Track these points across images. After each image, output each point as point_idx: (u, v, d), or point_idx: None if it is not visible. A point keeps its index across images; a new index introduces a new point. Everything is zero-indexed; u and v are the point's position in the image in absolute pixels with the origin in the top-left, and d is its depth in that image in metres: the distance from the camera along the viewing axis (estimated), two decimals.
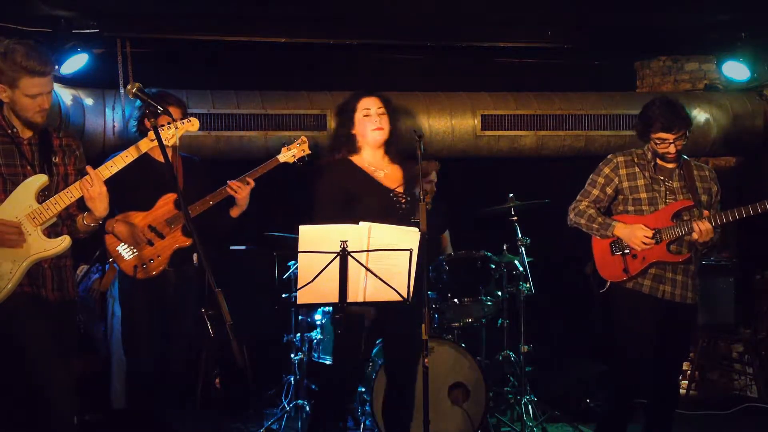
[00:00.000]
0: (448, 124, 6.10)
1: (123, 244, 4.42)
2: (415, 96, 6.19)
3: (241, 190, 4.48)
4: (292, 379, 5.48)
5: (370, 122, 4.10)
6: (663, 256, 4.18)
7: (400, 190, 4.09)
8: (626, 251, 4.24)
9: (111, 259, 4.47)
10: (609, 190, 4.32)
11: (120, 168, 3.51)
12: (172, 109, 4.42)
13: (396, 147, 4.18)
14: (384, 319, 4.04)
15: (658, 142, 4.18)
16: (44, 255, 3.42)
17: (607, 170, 4.33)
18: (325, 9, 5.55)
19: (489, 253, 5.35)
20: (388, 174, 4.14)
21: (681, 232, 4.15)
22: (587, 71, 6.87)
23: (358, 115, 4.13)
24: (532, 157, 6.44)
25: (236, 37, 5.84)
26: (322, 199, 4.06)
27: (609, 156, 4.38)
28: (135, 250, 4.41)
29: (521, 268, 5.39)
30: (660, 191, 4.25)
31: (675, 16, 5.85)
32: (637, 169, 4.28)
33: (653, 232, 4.16)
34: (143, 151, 3.56)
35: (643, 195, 4.26)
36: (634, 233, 4.17)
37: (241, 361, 3.01)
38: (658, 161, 4.27)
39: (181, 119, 4.54)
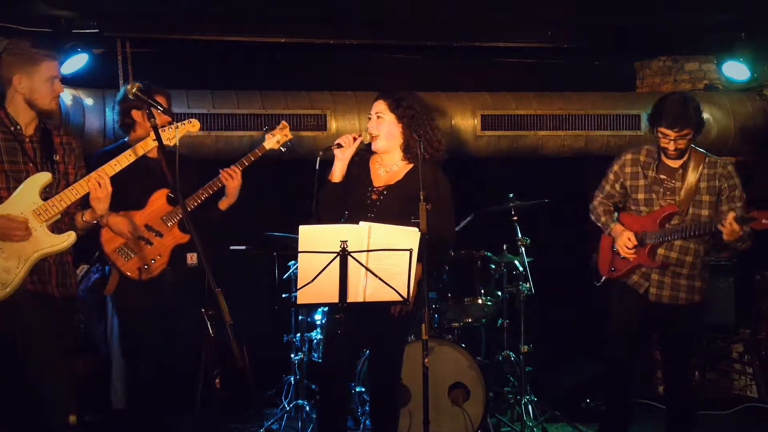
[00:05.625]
0: (448, 124, 6.09)
1: (120, 247, 4.38)
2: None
3: (232, 179, 4.47)
4: (292, 379, 5.48)
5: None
6: (643, 260, 4.24)
7: (382, 186, 4.04)
8: (616, 250, 4.34)
9: (110, 263, 4.44)
10: (618, 187, 4.41)
11: (123, 167, 3.54)
12: (158, 98, 4.41)
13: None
14: (370, 320, 3.93)
15: (660, 135, 4.20)
16: (51, 251, 3.44)
17: (616, 167, 4.42)
18: (325, 9, 5.55)
19: (489, 253, 5.35)
20: (390, 172, 4.10)
21: (663, 237, 4.17)
22: (587, 71, 6.86)
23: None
24: (532, 157, 6.43)
25: (236, 37, 5.83)
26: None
27: (622, 153, 4.45)
28: (135, 250, 4.39)
29: (521, 268, 5.39)
30: (659, 192, 4.27)
31: (675, 16, 5.84)
32: (639, 169, 4.32)
33: (639, 237, 4.22)
34: (144, 152, 3.59)
35: (641, 196, 4.31)
36: (621, 237, 4.26)
37: (241, 361, 3.01)
38: (663, 159, 4.28)
39: (167, 108, 4.50)
